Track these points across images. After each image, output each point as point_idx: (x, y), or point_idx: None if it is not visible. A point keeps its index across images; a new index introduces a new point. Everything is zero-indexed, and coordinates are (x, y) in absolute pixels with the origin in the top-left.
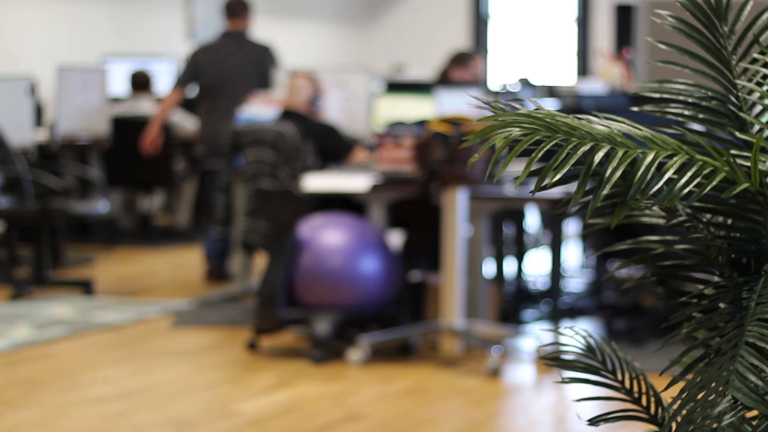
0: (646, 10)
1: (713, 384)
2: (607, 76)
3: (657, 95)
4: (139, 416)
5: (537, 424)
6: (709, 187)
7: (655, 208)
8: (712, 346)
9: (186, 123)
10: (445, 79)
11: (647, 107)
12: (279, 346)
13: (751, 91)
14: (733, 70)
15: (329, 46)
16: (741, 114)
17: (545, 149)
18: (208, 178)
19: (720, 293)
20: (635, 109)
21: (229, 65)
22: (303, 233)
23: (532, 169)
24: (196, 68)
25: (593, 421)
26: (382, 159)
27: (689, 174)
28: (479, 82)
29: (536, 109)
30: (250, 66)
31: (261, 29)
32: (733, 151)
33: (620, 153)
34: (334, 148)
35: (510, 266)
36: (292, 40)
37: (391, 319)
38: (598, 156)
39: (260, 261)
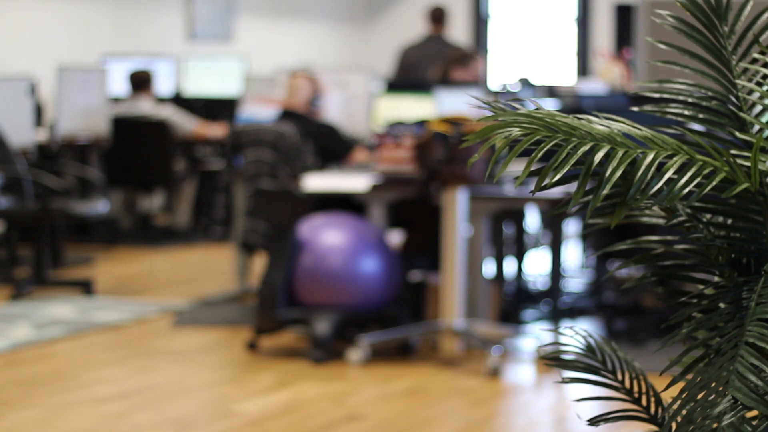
0: (646, 10)
1: (713, 384)
2: (607, 76)
3: (657, 95)
4: (139, 416)
5: (537, 424)
6: (709, 187)
7: (655, 208)
8: (712, 346)
9: (186, 123)
10: (445, 79)
11: (647, 107)
12: (279, 346)
13: (751, 91)
14: (733, 70)
15: (329, 46)
16: (741, 114)
17: (545, 149)
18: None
19: (720, 293)
20: (635, 109)
21: (429, 63)
22: (303, 233)
23: (532, 169)
24: (404, 64)
25: (593, 421)
26: (382, 159)
27: (689, 174)
28: (479, 82)
29: (536, 109)
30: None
31: (261, 29)
32: (733, 151)
33: (620, 153)
34: (334, 148)
35: (510, 266)
36: (292, 40)
37: (391, 319)
38: (598, 156)
39: (260, 261)
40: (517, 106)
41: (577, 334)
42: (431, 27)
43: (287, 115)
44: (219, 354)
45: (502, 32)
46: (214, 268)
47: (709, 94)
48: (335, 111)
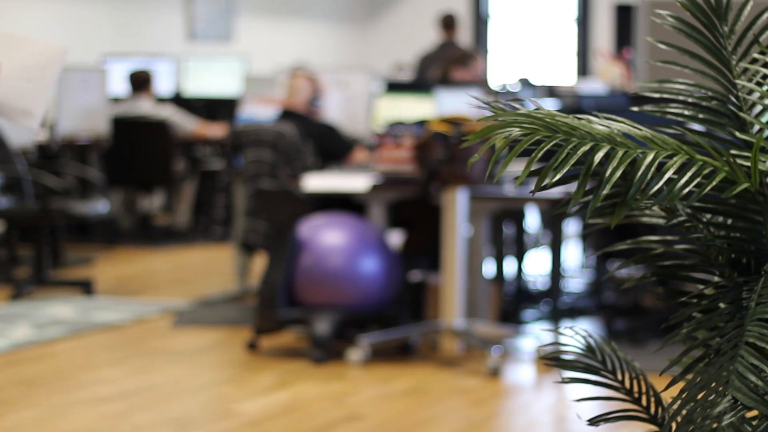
0: (646, 10)
1: (713, 384)
2: (607, 76)
3: (657, 95)
4: (139, 416)
5: (537, 424)
6: (709, 187)
7: (655, 208)
8: (712, 346)
9: (186, 123)
10: (445, 79)
11: (647, 107)
12: (279, 346)
13: (751, 91)
14: (733, 70)
15: (329, 46)
16: (741, 114)
17: (545, 149)
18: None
19: (720, 293)
20: (635, 109)
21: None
22: (303, 233)
23: (532, 169)
24: (422, 72)
25: (593, 421)
26: (382, 159)
27: (689, 174)
28: (479, 82)
29: (536, 109)
30: None
31: (261, 29)
32: (733, 151)
33: (620, 153)
34: (334, 148)
35: (510, 266)
36: (292, 40)
37: (391, 319)
38: (598, 156)
39: (260, 261)
40: (517, 106)
41: (577, 334)
42: (444, 34)
43: (287, 115)
44: (219, 354)
45: (502, 32)
46: (214, 268)
47: (709, 94)
48: (335, 111)
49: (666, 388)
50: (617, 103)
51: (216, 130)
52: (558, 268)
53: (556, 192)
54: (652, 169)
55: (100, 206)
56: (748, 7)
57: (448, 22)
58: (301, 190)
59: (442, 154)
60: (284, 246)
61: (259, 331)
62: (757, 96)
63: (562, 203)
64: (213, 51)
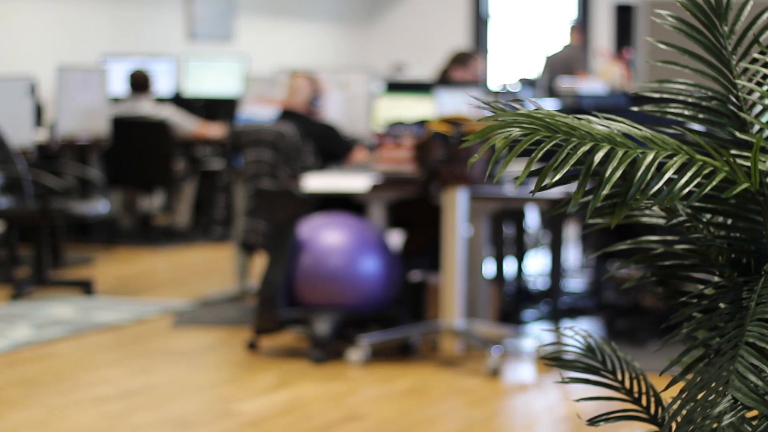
0: (646, 10)
1: (713, 384)
2: (607, 76)
3: (657, 95)
4: (139, 416)
5: (537, 424)
6: (709, 187)
7: (655, 208)
8: (712, 346)
9: (186, 123)
10: (445, 79)
11: (647, 107)
12: (279, 346)
13: (751, 91)
14: (733, 70)
15: (329, 46)
16: (741, 114)
17: (545, 149)
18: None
19: (720, 293)
20: (635, 109)
21: (572, 67)
22: (303, 233)
23: (532, 169)
24: (547, 70)
25: (593, 421)
26: (382, 159)
27: (689, 174)
28: (479, 82)
29: (536, 109)
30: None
31: (261, 29)
32: (733, 151)
33: (620, 153)
34: (334, 148)
35: (510, 266)
36: (292, 40)
37: (391, 319)
38: (598, 156)
39: (260, 261)
40: (517, 106)
41: (577, 334)
42: (573, 37)
43: (287, 115)
44: (219, 354)
45: (502, 32)
46: (214, 268)
47: (709, 94)
48: (335, 111)
49: (666, 388)
50: (617, 103)
51: (216, 130)
52: (558, 268)
53: (556, 192)
54: (652, 169)
55: (100, 206)
56: (748, 7)
57: (577, 27)
58: (301, 190)
59: (442, 154)
60: (284, 246)
61: (259, 331)
62: (757, 96)
63: (562, 203)
64: (213, 51)
